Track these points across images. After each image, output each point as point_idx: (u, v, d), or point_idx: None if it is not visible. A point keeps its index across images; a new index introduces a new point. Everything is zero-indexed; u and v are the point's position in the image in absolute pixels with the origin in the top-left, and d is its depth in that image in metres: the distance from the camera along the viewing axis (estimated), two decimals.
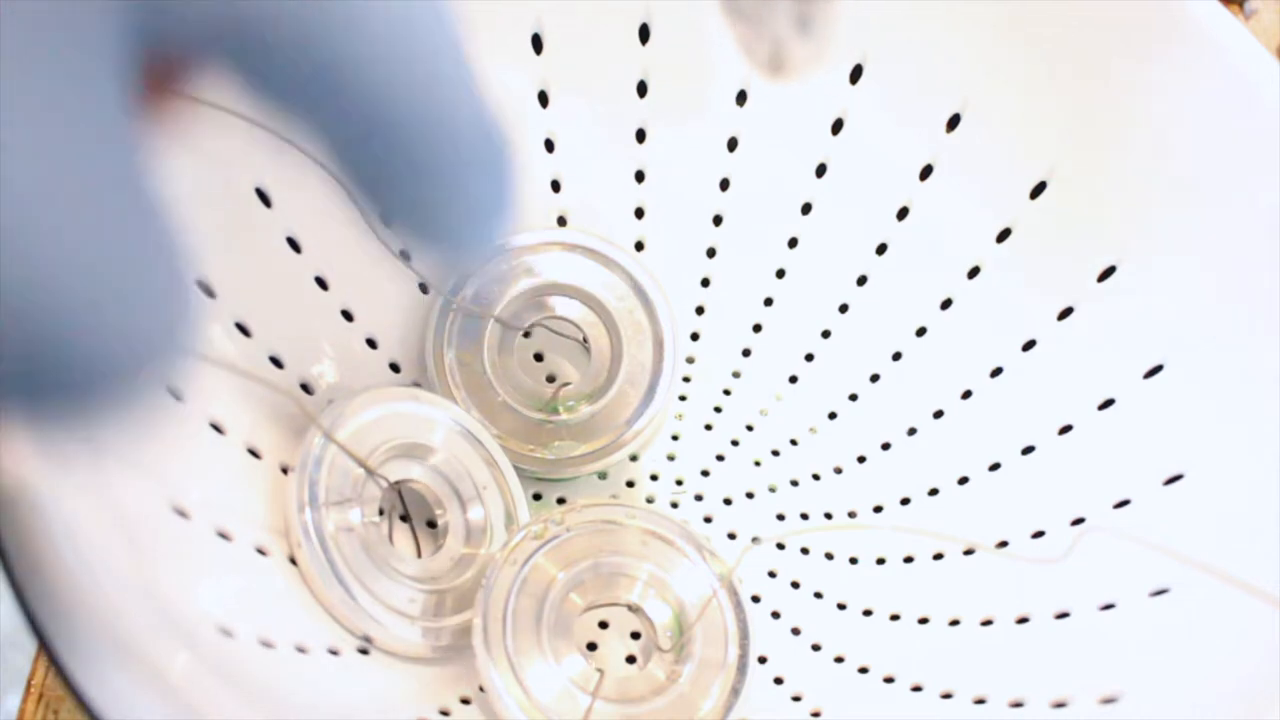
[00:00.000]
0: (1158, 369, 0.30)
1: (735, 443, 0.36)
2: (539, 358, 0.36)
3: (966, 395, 0.34)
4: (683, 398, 0.36)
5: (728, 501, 0.35)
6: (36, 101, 0.11)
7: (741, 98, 0.35)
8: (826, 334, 0.36)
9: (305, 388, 0.31)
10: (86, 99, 0.11)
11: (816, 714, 0.30)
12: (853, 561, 0.33)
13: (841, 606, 0.33)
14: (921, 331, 0.35)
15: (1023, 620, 0.29)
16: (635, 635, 0.31)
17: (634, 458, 0.35)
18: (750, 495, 0.35)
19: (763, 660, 0.31)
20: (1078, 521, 0.30)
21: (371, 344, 0.33)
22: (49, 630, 0.19)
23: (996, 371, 0.33)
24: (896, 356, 0.35)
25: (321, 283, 0.32)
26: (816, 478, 0.35)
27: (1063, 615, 0.29)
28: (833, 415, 0.36)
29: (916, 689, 0.29)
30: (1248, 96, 0.29)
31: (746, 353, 0.37)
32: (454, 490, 0.31)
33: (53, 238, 0.11)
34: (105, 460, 0.22)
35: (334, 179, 0.14)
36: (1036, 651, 0.29)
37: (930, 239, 0.35)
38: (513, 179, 0.15)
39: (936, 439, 0.34)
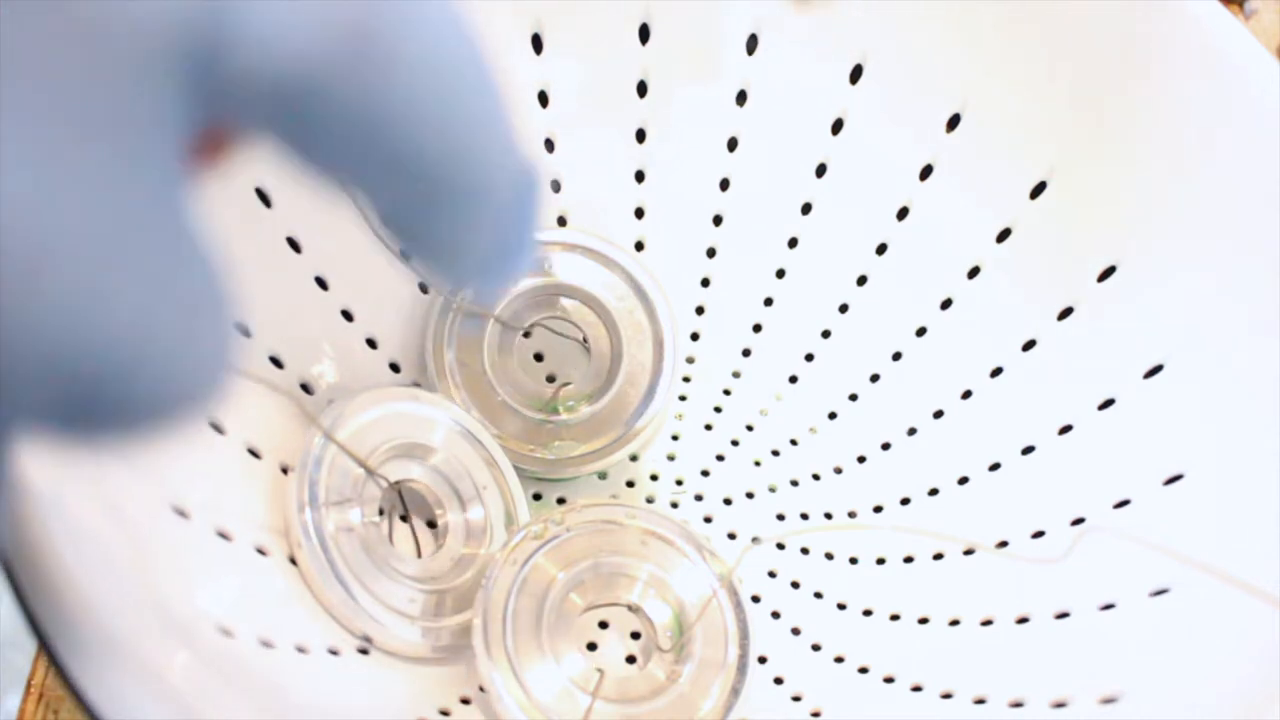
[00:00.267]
0: (1158, 369, 0.30)
1: (735, 443, 0.36)
2: (539, 358, 0.36)
3: (966, 395, 0.34)
4: (683, 398, 0.36)
5: (728, 501, 0.35)
6: (96, 172, 0.11)
7: (741, 98, 0.35)
8: (826, 334, 0.36)
9: (305, 388, 0.31)
10: (143, 166, 0.12)
11: (816, 714, 0.30)
12: (853, 561, 0.33)
13: (841, 606, 0.33)
14: (921, 331, 0.35)
15: (1023, 620, 0.29)
16: (635, 635, 0.31)
17: (634, 458, 0.35)
18: (750, 495, 0.35)
19: (763, 660, 0.31)
20: (1078, 521, 0.30)
21: (371, 344, 0.33)
22: (49, 630, 0.19)
23: (996, 371, 0.33)
24: (896, 356, 0.35)
25: (321, 283, 0.32)
26: (816, 478, 0.35)
27: (1063, 615, 0.29)
28: (833, 415, 0.36)
29: (916, 689, 0.29)
30: (1248, 96, 0.29)
31: (746, 353, 0.37)
32: (454, 490, 0.31)
33: (113, 295, 0.11)
34: (106, 461, 0.22)
35: (373, 232, 0.14)
36: (1036, 651, 0.29)
37: (930, 239, 0.35)
38: (540, 215, 0.16)
39: (936, 439, 0.34)
